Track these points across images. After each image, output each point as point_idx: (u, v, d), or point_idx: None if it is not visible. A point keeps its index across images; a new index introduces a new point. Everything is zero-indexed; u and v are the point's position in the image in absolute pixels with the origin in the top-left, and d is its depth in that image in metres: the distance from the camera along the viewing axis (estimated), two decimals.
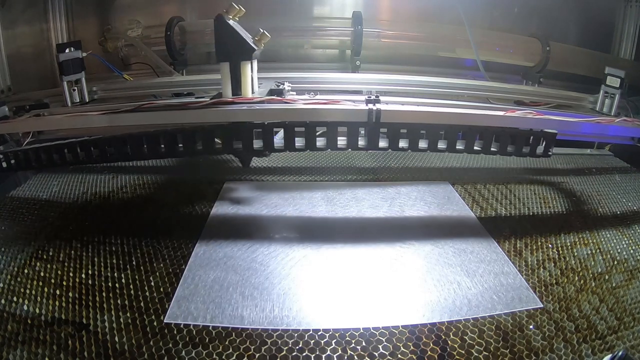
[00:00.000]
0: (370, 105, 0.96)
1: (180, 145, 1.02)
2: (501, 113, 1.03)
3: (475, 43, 1.73)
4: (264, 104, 0.96)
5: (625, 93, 1.49)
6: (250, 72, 0.97)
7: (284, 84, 1.05)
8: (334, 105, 0.98)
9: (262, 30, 0.96)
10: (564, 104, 1.66)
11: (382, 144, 1.01)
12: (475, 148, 1.03)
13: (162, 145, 1.02)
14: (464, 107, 1.12)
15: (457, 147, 1.03)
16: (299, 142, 1.01)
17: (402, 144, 1.01)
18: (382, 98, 0.99)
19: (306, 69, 1.70)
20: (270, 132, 0.99)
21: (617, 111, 1.51)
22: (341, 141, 1.01)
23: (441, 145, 1.03)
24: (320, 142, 1.01)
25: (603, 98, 1.51)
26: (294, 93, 1.07)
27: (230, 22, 0.93)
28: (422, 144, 1.02)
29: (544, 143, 1.05)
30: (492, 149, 1.04)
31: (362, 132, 1.01)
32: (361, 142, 1.01)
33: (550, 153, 1.05)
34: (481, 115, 1.01)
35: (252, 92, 0.99)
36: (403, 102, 1.11)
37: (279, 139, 1.01)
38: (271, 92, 1.02)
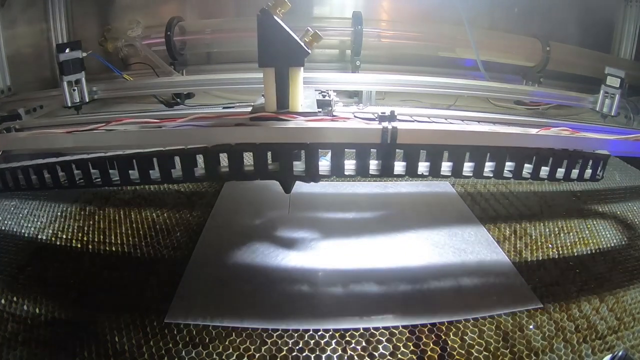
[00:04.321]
0: (385, 124, 0.80)
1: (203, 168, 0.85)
2: (534, 131, 0.88)
3: (475, 43, 1.73)
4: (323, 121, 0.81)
5: (625, 93, 1.49)
6: (302, 81, 0.83)
7: (329, 94, 0.92)
8: (342, 124, 0.83)
9: (311, 30, 0.81)
10: (564, 104, 1.66)
11: (398, 169, 0.85)
12: (505, 173, 0.88)
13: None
14: (490, 121, 1.03)
15: (484, 173, 0.87)
16: (298, 167, 0.85)
17: (422, 169, 0.85)
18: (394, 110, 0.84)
19: (306, 69, 1.70)
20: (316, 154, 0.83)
21: (617, 111, 1.51)
22: (348, 166, 0.85)
23: (467, 170, 0.87)
24: (323, 167, 0.85)
25: (603, 98, 1.51)
26: (342, 104, 0.95)
27: (276, 18, 0.77)
28: (445, 168, 0.86)
29: (594, 166, 0.93)
30: (524, 173, 0.90)
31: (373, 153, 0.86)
32: (373, 168, 0.85)
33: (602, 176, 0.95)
34: (514, 135, 0.87)
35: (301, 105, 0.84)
36: (418, 116, 0.98)
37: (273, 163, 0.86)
38: (318, 104, 0.88)
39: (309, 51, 0.79)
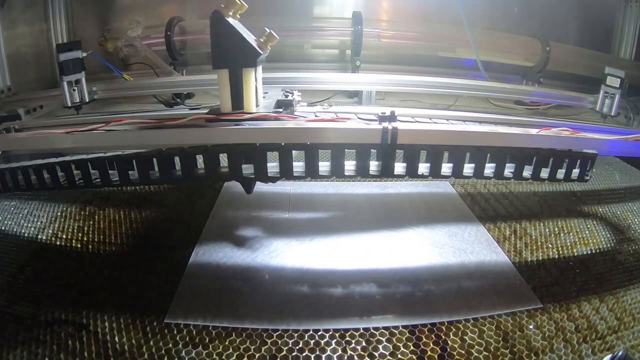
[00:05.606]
0: (385, 124, 0.80)
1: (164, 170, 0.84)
2: (534, 131, 0.88)
3: (475, 43, 1.73)
4: (266, 121, 0.81)
5: (625, 93, 1.49)
6: (254, 82, 0.83)
7: (292, 94, 0.92)
8: (339, 124, 0.84)
9: (268, 30, 0.81)
10: (564, 104, 1.66)
11: (398, 170, 0.85)
12: (506, 174, 0.88)
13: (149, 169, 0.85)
14: (490, 121, 1.03)
15: (485, 174, 0.87)
16: (298, 167, 0.85)
17: (422, 169, 0.85)
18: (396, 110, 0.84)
19: (306, 69, 1.71)
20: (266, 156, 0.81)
21: (617, 111, 1.51)
22: (348, 167, 0.85)
23: (467, 170, 0.87)
24: (323, 167, 0.85)
25: (603, 98, 1.51)
26: (305, 104, 0.96)
27: (230, 20, 0.79)
28: (445, 168, 0.86)
29: (581, 166, 0.92)
30: (524, 174, 0.89)
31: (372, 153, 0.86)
32: (373, 168, 0.85)
33: (590, 177, 0.94)
34: (514, 135, 0.87)
35: (257, 105, 0.85)
36: (417, 116, 0.98)
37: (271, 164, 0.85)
38: (278, 104, 0.89)
39: (261, 52, 0.80)
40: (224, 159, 0.83)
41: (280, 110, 0.88)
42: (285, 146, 0.81)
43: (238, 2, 0.79)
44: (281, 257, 0.95)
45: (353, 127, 0.83)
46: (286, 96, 0.92)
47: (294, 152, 0.82)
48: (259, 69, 0.85)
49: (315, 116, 0.91)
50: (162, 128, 0.82)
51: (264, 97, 0.92)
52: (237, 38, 0.78)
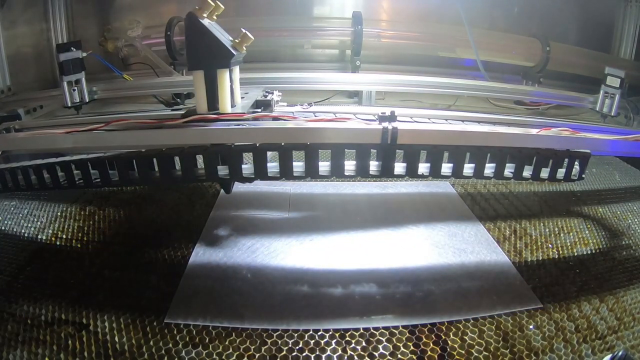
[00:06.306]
0: (385, 124, 0.80)
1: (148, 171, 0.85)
2: (534, 131, 0.89)
3: (475, 43, 1.73)
4: (247, 122, 0.81)
5: (625, 93, 1.49)
6: (229, 82, 0.83)
7: (272, 93, 0.93)
8: (339, 124, 0.84)
9: (243, 31, 0.81)
10: (564, 104, 1.66)
11: (398, 170, 0.86)
12: (506, 174, 0.89)
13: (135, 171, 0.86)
14: (490, 121, 1.04)
15: (485, 174, 0.88)
16: (298, 167, 0.85)
17: (422, 169, 0.86)
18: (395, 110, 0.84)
19: (306, 69, 1.71)
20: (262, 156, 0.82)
21: (617, 111, 1.51)
22: (348, 167, 0.85)
23: (467, 170, 0.87)
24: (323, 167, 0.85)
25: (603, 98, 1.51)
26: (285, 104, 0.96)
27: (205, 21, 0.78)
28: (445, 168, 0.86)
29: (576, 165, 0.92)
30: (524, 174, 0.90)
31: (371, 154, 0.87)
32: (373, 168, 0.86)
33: (583, 176, 0.94)
34: (514, 135, 0.87)
35: (233, 106, 0.85)
36: (417, 116, 0.99)
37: (272, 164, 0.86)
38: (257, 104, 0.89)
39: (234, 52, 0.80)
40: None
41: (259, 110, 0.88)
42: (285, 146, 0.81)
43: (212, 3, 0.79)
44: (281, 257, 0.95)
45: (353, 127, 0.83)
46: (265, 96, 0.92)
47: (292, 152, 0.82)
48: (236, 69, 0.85)
49: (294, 115, 0.91)
50: (162, 128, 0.82)
51: (243, 98, 0.92)
52: (211, 39, 0.78)
